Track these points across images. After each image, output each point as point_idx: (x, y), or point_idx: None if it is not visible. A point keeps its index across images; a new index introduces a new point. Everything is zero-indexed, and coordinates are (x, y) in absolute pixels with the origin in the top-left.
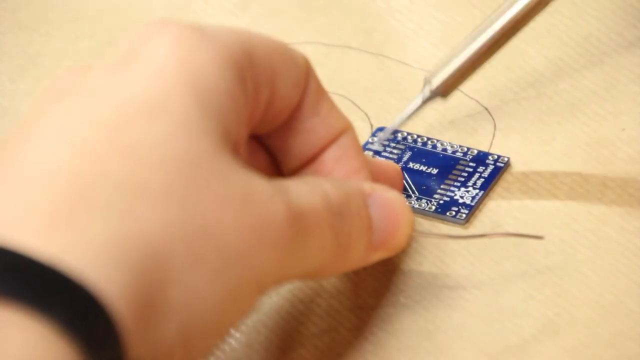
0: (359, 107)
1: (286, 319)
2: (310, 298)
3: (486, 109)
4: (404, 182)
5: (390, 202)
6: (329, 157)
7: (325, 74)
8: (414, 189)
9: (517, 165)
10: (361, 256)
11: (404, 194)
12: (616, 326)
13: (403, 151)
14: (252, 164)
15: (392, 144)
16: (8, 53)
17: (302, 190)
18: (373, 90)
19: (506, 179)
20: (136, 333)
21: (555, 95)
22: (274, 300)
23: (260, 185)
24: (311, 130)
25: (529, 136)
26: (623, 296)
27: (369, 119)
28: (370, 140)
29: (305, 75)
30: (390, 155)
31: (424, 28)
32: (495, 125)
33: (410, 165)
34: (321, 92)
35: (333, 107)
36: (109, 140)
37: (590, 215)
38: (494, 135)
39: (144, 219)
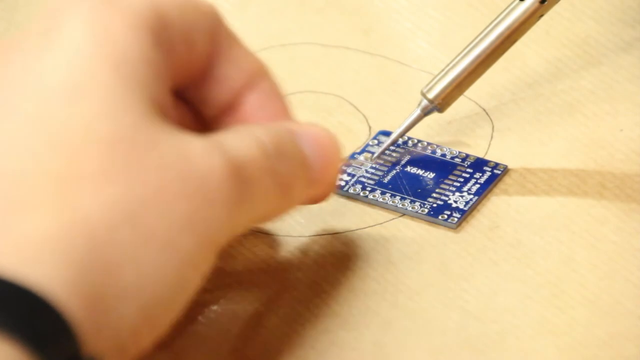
0: (357, 109)
1: (284, 319)
2: (308, 299)
3: (484, 110)
4: (401, 184)
5: (318, 137)
6: (252, 104)
7: (323, 75)
8: (409, 191)
9: (515, 166)
10: (303, 194)
11: (400, 196)
12: (614, 327)
13: (402, 154)
14: (177, 121)
15: (392, 147)
16: None
17: (236, 140)
18: (371, 91)
19: (504, 180)
20: (92, 325)
21: (553, 96)
22: (272, 302)
23: (194, 145)
24: (226, 76)
25: (527, 137)
26: (620, 297)
27: (367, 120)
28: (370, 142)
29: (216, 23)
30: (389, 158)
31: (422, 28)
32: (493, 126)
33: (408, 168)
34: (232, 38)
35: (246, 52)
36: (36, 132)
37: (588, 216)
38: (492, 136)
39: (82, 206)
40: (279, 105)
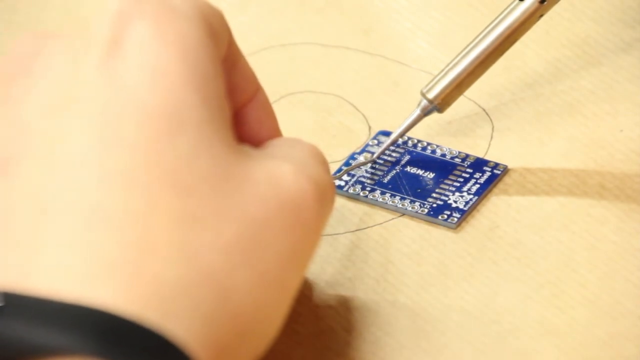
0: (357, 109)
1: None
2: (308, 298)
3: (484, 110)
4: (400, 184)
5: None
6: (253, 119)
7: (323, 75)
8: (409, 191)
9: (515, 166)
10: None
11: (400, 196)
12: (613, 327)
13: (402, 155)
14: None
15: (392, 147)
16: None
17: (308, 160)
18: (371, 91)
19: (504, 180)
20: None
21: (553, 96)
22: None
23: (282, 169)
24: (237, 88)
25: (527, 137)
26: (620, 297)
27: (367, 120)
28: (370, 142)
29: (230, 32)
30: (389, 158)
31: (422, 28)
32: (493, 126)
33: (408, 168)
34: (238, 49)
35: (247, 63)
36: (143, 165)
37: (588, 217)
38: (492, 137)
39: (203, 250)
40: (274, 120)
